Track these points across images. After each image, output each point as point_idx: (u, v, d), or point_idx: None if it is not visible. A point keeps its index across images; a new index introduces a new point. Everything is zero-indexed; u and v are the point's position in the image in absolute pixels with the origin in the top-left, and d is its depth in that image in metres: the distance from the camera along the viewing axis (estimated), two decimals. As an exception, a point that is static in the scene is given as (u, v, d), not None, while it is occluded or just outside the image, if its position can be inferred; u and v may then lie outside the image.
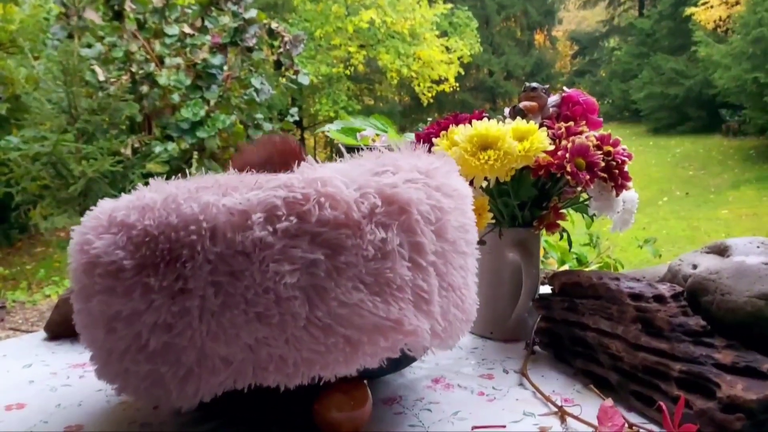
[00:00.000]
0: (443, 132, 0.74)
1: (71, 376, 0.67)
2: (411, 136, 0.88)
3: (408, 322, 0.49)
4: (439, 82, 11.38)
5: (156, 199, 0.49)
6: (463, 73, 12.05)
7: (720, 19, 11.65)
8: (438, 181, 0.55)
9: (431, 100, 11.56)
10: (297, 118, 4.25)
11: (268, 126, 3.73)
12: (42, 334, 0.80)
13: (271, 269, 0.46)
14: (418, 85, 11.30)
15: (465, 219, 0.57)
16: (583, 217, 0.82)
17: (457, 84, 11.96)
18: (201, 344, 0.47)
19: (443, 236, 0.53)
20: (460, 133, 0.71)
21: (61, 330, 0.78)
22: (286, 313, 0.46)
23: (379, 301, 0.48)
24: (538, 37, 17.55)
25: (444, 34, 11.85)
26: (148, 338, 0.47)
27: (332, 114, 9.93)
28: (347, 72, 10.95)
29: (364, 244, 0.48)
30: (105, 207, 0.52)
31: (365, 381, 0.55)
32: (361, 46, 10.74)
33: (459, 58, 11.60)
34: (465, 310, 0.57)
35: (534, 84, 0.77)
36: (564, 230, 0.77)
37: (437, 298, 0.52)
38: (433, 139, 0.74)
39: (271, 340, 0.47)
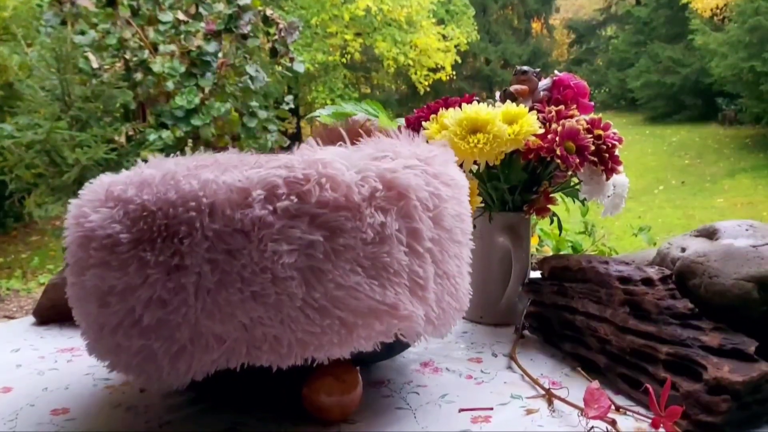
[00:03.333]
0: (433, 115, 0.74)
1: (59, 360, 0.67)
2: (402, 121, 0.88)
3: (403, 307, 0.49)
4: (435, 70, 11.33)
5: (155, 174, 0.49)
6: (459, 61, 12.01)
7: (717, 8, 11.60)
8: (436, 169, 0.55)
9: (428, 89, 11.51)
10: (293, 106, 4.23)
11: (263, 114, 3.71)
12: (31, 319, 0.80)
13: (269, 249, 0.46)
14: (415, 73, 11.25)
15: (461, 209, 0.57)
16: (573, 201, 0.82)
17: (454, 72, 11.91)
18: (195, 321, 0.46)
19: (440, 224, 0.53)
20: (450, 116, 0.70)
21: (49, 315, 0.78)
22: (283, 293, 0.46)
23: (376, 284, 0.48)
24: (535, 26, 17.47)
25: (441, 22, 11.79)
26: (141, 313, 0.47)
27: (329, 102, 9.88)
28: (343, 60, 10.90)
29: (363, 227, 0.48)
30: (103, 181, 0.52)
31: (357, 367, 0.55)
32: (358, 34, 10.68)
33: (456, 47, 11.54)
34: (458, 299, 0.57)
35: (525, 67, 0.77)
36: (554, 214, 0.77)
37: (432, 285, 0.52)
38: (423, 123, 0.74)
39: (266, 320, 0.47)
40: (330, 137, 0.60)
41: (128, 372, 0.51)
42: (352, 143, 0.56)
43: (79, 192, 0.53)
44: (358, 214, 0.48)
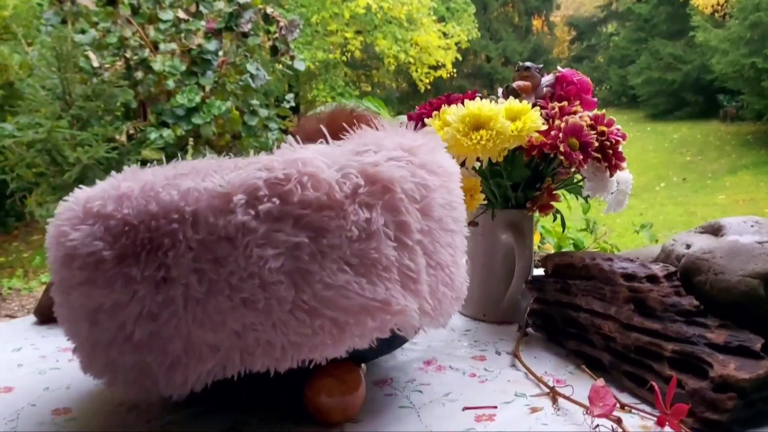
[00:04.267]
0: (435, 112, 0.73)
1: (60, 359, 0.67)
2: (404, 118, 0.87)
3: (396, 302, 0.49)
4: (436, 67, 11.32)
5: (133, 187, 0.48)
6: (460, 58, 11.99)
7: (718, 4, 11.57)
8: (422, 159, 0.54)
9: (428, 87, 11.49)
10: (293, 104, 4.22)
11: (264, 112, 3.70)
12: (32, 318, 0.80)
13: (255, 254, 0.45)
14: (416, 71, 11.24)
15: (451, 196, 0.56)
16: (576, 198, 0.81)
17: (455, 70, 11.89)
18: (187, 332, 0.46)
19: (429, 214, 0.53)
20: (453, 113, 0.70)
21: (51, 314, 0.77)
22: (272, 298, 0.46)
23: (366, 282, 0.48)
24: (536, 23, 17.44)
25: (441, 19, 11.77)
26: (132, 329, 0.47)
27: (329, 100, 9.86)
28: (344, 58, 10.89)
29: (348, 225, 0.47)
30: (79, 197, 0.51)
31: (362, 366, 0.54)
32: (358, 32, 10.67)
33: (456, 44, 11.52)
34: (455, 288, 0.56)
35: (527, 63, 0.76)
36: (557, 212, 0.76)
37: (425, 277, 0.52)
38: (426, 120, 0.73)
39: (258, 325, 0.46)
40: (309, 130, 0.59)
41: (126, 387, 0.50)
42: (336, 137, 0.55)
43: (56, 211, 0.52)
44: (342, 212, 0.47)
